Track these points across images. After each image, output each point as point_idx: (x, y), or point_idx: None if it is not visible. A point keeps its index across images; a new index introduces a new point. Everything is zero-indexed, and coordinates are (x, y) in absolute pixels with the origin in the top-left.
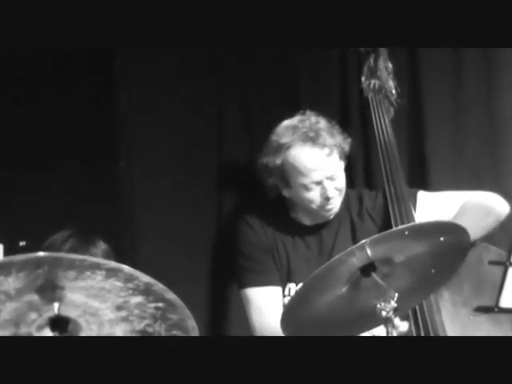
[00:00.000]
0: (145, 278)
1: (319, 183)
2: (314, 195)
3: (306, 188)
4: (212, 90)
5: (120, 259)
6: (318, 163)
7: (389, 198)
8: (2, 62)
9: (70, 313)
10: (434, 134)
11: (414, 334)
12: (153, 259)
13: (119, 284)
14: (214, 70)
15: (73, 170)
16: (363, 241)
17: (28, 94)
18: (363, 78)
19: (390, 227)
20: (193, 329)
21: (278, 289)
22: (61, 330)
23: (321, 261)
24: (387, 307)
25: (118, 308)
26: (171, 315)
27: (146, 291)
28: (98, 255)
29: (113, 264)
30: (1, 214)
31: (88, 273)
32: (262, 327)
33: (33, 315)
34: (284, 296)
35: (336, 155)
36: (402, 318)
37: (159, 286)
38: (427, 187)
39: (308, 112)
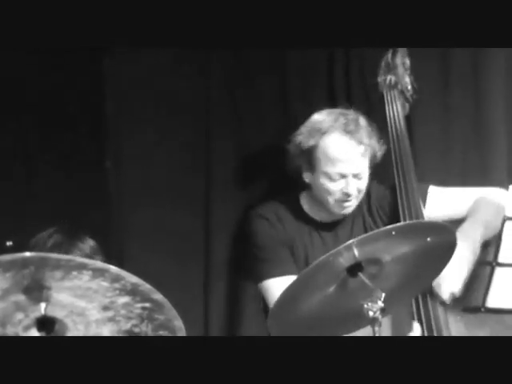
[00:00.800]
0: (132, 279)
1: (344, 177)
2: (335, 187)
3: (330, 178)
4: (200, 88)
5: (107, 259)
6: (349, 156)
7: (398, 194)
8: None
9: (57, 313)
10: (422, 134)
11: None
12: (140, 259)
13: (106, 284)
14: (202, 67)
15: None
16: (350, 241)
17: (15, 93)
18: (380, 73)
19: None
20: (179, 329)
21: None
22: (47, 331)
23: None
24: (374, 307)
25: (105, 308)
26: (158, 315)
27: (133, 291)
28: (85, 250)
29: (99, 264)
30: None
31: (74, 273)
32: None
33: (19, 315)
34: None
35: (368, 155)
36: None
37: (146, 287)
38: None
39: (350, 108)
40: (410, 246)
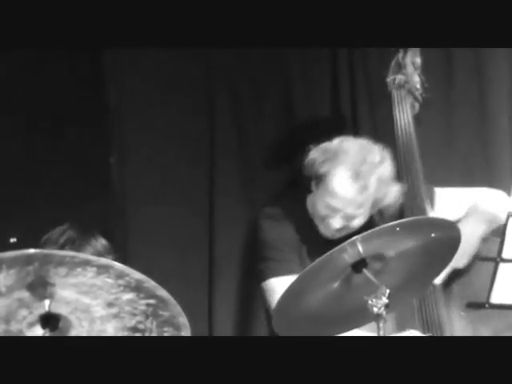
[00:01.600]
0: (136, 275)
1: (337, 213)
2: (325, 215)
3: (327, 209)
4: (202, 85)
5: (113, 253)
6: (350, 199)
7: (405, 196)
8: None
9: (61, 310)
10: (425, 130)
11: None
12: (144, 256)
13: (110, 281)
14: (204, 64)
15: None
16: (354, 237)
17: (20, 90)
18: (389, 73)
19: None
20: (184, 326)
21: None
22: (52, 327)
23: None
24: (378, 303)
25: (109, 305)
26: (162, 312)
27: (138, 288)
28: (97, 247)
29: (104, 261)
30: None
31: (79, 269)
32: None
33: (23, 312)
34: None
35: (369, 204)
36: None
37: (150, 283)
38: None
39: (381, 146)
40: (414, 242)
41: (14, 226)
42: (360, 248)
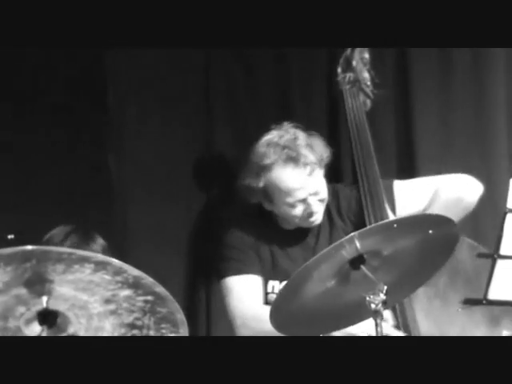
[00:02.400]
0: (134, 272)
1: (304, 200)
2: (298, 212)
3: (291, 205)
4: (200, 83)
5: (111, 253)
6: (301, 183)
7: (362, 194)
8: None
9: (59, 306)
10: (423, 129)
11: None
12: (141, 254)
13: (108, 277)
14: (202, 63)
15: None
16: (352, 233)
17: (19, 89)
18: (339, 71)
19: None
20: (182, 322)
21: (259, 278)
22: (49, 324)
23: (304, 259)
24: (376, 300)
25: (107, 301)
26: (160, 308)
27: (135, 284)
28: (98, 251)
29: (101, 257)
30: None
31: (76, 266)
32: (243, 314)
33: (21, 309)
34: (267, 293)
35: (317, 168)
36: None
37: (148, 280)
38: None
39: (286, 124)
40: (412, 238)
41: (11, 223)
42: (358, 244)
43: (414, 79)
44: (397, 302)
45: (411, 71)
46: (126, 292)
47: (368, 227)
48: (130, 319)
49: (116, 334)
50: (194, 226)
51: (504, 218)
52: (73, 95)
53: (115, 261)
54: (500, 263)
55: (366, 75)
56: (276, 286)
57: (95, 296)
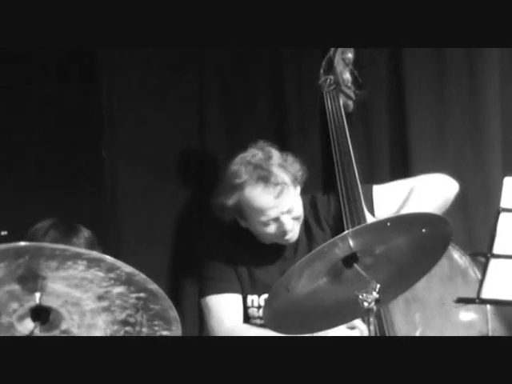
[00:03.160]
0: (127, 268)
1: (276, 219)
2: (272, 229)
3: (264, 224)
4: (194, 83)
5: (104, 250)
6: (272, 202)
7: (340, 198)
8: None
9: (52, 303)
10: (417, 127)
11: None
12: (136, 250)
13: (101, 274)
14: (195, 62)
15: None
16: (346, 231)
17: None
18: (321, 73)
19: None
20: (174, 319)
21: (238, 296)
22: (42, 320)
23: (282, 272)
24: (369, 298)
25: (100, 298)
26: (153, 305)
27: (128, 281)
28: (80, 246)
29: (94, 254)
30: None
31: (69, 263)
32: (221, 335)
33: (14, 305)
34: (247, 307)
35: (290, 188)
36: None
37: (141, 276)
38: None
39: (261, 143)
40: (405, 237)
41: (4, 219)
42: (351, 243)
43: (408, 79)
44: (390, 301)
45: (405, 71)
46: (119, 289)
47: (361, 225)
48: (122, 316)
49: (109, 331)
50: (186, 223)
51: (497, 217)
52: (67, 92)
53: (108, 257)
54: (493, 262)
55: (347, 76)
56: (255, 299)
57: (88, 293)
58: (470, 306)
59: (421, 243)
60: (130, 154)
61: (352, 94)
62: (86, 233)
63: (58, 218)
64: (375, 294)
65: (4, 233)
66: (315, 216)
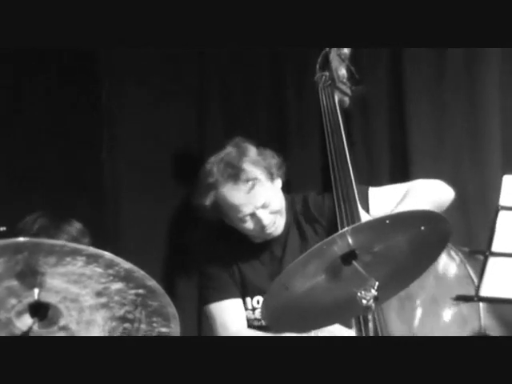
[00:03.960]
0: (125, 265)
1: (252, 214)
2: (250, 225)
3: (241, 220)
4: (193, 83)
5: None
6: (244, 199)
7: (335, 199)
8: None
9: (50, 299)
10: (416, 129)
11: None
12: (134, 249)
13: (100, 270)
14: (195, 62)
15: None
16: (345, 229)
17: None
18: (317, 71)
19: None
20: (173, 316)
21: (239, 300)
22: (41, 316)
23: (272, 273)
24: (368, 296)
25: (99, 294)
26: (151, 302)
27: (127, 278)
28: (72, 233)
29: (93, 250)
30: None
31: (68, 258)
32: None
33: (12, 301)
34: (246, 309)
35: (263, 183)
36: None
37: (140, 273)
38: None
39: (237, 140)
40: (404, 234)
41: (3, 215)
42: (350, 240)
43: (407, 80)
44: (388, 298)
45: (404, 71)
46: (118, 285)
47: (360, 223)
48: (121, 312)
49: (107, 327)
50: (184, 223)
51: (496, 215)
52: (67, 92)
53: (107, 254)
54: (492, 260)
55: (343, 72)
56: (248, 302)
57: (87, 289)
58: (463, 304)
59: (419, 241)
60: (130, 153)
61: (348, 90)
62: (77, 224)
63: (46, 210)
64: (373, 292)
65: (2, 228)
66: (306, 214)
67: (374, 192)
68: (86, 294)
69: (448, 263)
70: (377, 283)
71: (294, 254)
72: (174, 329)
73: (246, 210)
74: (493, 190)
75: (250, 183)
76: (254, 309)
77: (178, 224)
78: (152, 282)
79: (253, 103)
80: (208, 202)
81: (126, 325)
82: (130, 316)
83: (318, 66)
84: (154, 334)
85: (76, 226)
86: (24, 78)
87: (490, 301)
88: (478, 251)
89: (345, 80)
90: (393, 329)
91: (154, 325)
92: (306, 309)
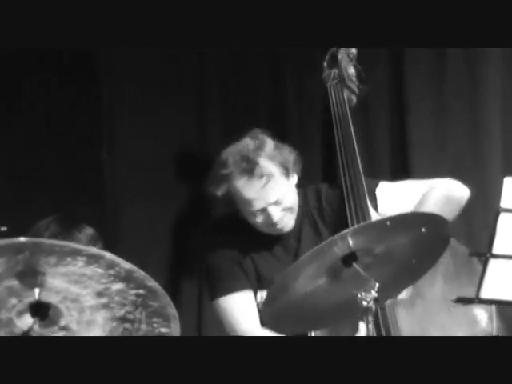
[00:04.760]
0: (126, 265)
1: (263, 210)
2: (260, 220)
3: (252, 214)
4: (193, 83)
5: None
6: (257, 194)
7: (345, 193)
8: None
9: (51, 298)
10: (417, 129)
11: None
12: (135, 250)
13: (100, 270)
14: (195, 62)
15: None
16: (345, 230)
17: (16, 87)
18: (324, 66)
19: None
20: (173, 317)
21: (250, 292)
22: (41, 316)
23: (287, 265)
24: (368, 297)
25: (99, 294)
26: (152, 302)
27: (127, 278)
28: (82, 240)
29: (94, 250)
30: None
31: (69, 259)
32: (243, 334)
33: (13, 300)
34: (258, 304)
35: (278, 179)
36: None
37: (140, 273)
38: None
39: (255, 131)
40: (404, 236)
41: (4, 214)
42: (350, 242)
43: (408, 80)
44: (388, 300)
45: (406, 71)
46: (118, 285)
47: (361, 224)
48: (121, 313)
49: (107, 328)
50: (185, 223)
51: (497, 217)
52: (67, 92)
53: (108, 254)
54: (492, 262)
55: (352, 71)
56: (259, 295)
57: (87, 289)
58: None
59: (420, 242)
60: (130, 153)
61: (356, 89)
62: (89, 229)
63: (59, 215)
64: (374, 293)
65: (3, 228)
66: (319, 208)
67: (384, 186)
68: (86, 294)
69: (461, 262)
70: (377, 285)
71: (308, 246)
72: (174, 329)
73: (258, 205)
74: (493, 192)
75: (265, 179)
76: None
77: (179, 224)
78: (152, 283)
79: (253, 103)
80: (220, 192)
81: (127, 325)
82: (131, 316)
83: (325, 64)
84: (154, 335)
85: (87, 232)
86: (24, 78)
87: (490, 303)
88: (479, 253)
89: (354, 78)
90: (402, 328)
91: (155, 325)
92: (306, 310)
